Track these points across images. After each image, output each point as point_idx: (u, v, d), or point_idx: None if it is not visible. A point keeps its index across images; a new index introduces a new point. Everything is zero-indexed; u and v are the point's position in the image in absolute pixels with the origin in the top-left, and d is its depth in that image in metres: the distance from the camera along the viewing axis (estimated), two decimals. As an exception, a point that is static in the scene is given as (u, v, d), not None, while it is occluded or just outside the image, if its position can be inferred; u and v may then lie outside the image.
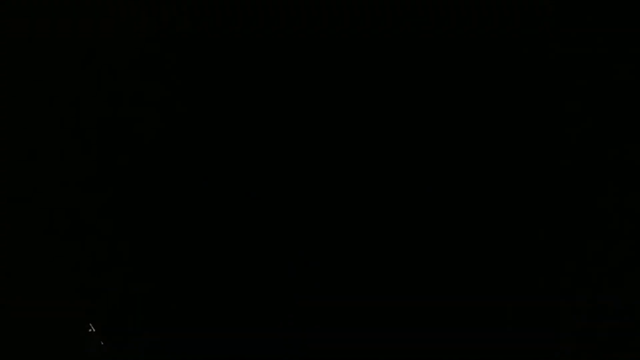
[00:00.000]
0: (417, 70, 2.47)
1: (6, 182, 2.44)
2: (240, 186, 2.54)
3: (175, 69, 2.54)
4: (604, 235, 2.31)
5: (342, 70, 2.51)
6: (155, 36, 2.52)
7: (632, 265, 2.26)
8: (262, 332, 2.43)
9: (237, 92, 2.55)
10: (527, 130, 2.42)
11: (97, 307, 2.40)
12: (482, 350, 2.35)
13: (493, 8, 2.33)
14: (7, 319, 2.33)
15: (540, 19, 2.33)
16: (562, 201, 2.38)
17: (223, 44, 2.53)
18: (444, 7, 2.35)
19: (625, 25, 2.26)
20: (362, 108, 2.53)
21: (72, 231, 2.45)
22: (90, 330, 2.33)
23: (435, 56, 2.45)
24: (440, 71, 2.46)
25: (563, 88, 2.38)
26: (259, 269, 2.48)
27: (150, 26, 2.51)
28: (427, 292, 2.43)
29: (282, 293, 2.46)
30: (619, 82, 2.32)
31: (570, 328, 2.28)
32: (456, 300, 2.40)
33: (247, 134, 2.55)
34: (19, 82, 2.48)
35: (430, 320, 2.40)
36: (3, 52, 2.47)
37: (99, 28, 2.50)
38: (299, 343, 2.41)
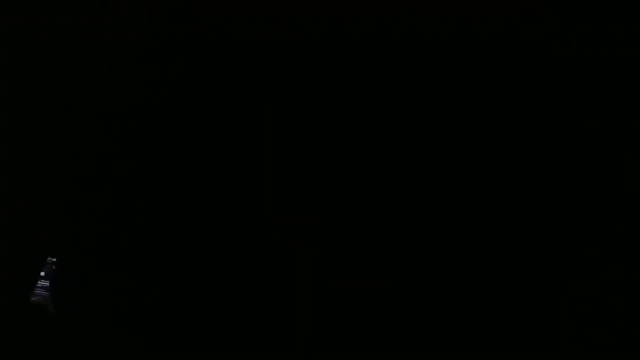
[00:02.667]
0: (418, 71, 2.47)
1: (6, 182, 2.44)
2: (240, 187, 2.54)
3: (175, 68, 2.54)
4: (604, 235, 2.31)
5: (342, 71, 2.51)
6: (155, 36, 2.52)
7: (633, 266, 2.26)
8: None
9: (238, 92, 2.55)
10: (528, 131, 2.43)
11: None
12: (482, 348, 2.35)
13: (493, 8, 2.33)
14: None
15: (540, 19, 2.33)
16: (562, 201, 2.38)
17: (223, 44, 2.53)
18: (444, 7, 2.36)
19: (625, 25, 2.26)
20: (362, 108, 2.53)
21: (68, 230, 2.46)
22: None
23: (436, 56, 2.45)
24: (441, 71, 2.47)
25: (562, 88, 2.38)
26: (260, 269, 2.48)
27: (150, 26, 2.51)
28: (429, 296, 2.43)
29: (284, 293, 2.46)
30: (619, 82, 2.32)
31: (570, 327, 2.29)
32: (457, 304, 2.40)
33: (247, 134, 2.55)
34: (18, 82, 2.48)
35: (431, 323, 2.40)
36: (3, 52, 2.47)
37: (99, 28, 2.50)
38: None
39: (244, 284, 2.47)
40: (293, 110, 2.54)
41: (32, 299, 2.37)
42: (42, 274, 2.40)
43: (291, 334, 2.41)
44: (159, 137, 2.54)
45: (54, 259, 2.41)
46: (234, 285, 2.47)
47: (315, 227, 2.50)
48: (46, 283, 2.39)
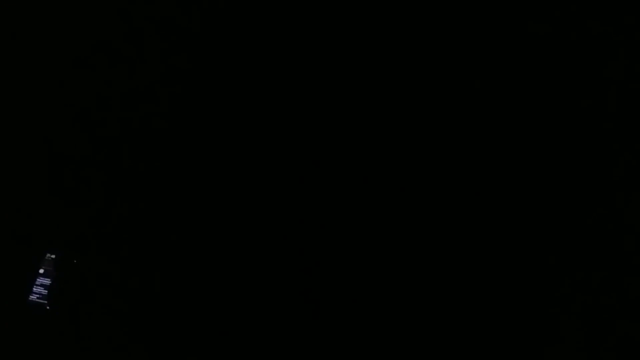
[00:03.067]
0: (418, 71, 2.48)
1: (6, 182, 2.44)
2: (240, 186, 2.54)
3: (176, 69, 2.55)
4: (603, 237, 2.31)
5: (342, 71, 2.52)
6: (155, 36, 2.53)
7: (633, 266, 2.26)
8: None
9: (238, 92, 2.56)
10: (527, 131, 2.43)
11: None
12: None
13: (493, 8, 2.34)
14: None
15: (540, 19, 2.34)
16: (560, 201, 2.38)
17: (223, 44, 2.54)
18: (443, 6, 2.36)
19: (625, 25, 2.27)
20: (361, 109, 2.54)
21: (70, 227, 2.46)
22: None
23: (435, 56, 2.46)
24: (440, 71, 2.47)
25: (562, 88, 2.39)
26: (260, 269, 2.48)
27: (150, 26, 2.52)
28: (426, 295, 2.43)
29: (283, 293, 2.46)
30: (618, 83, 2.32)
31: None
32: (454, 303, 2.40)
33: (247, 134, 2.55)
34: (18, 82, 2.49)
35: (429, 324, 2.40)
36: (3, 52, 2.47)
37: (98, 28, 2.51)
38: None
39: (244, 284, 2.47)
40: (293, 110, 2.55)
41: (32, 297, 2.37)
42: (42, 271, 2.40)
43: (291, 333, 2.41)
44: (159, 137, 2.54)
45: (53, 256, 2.41)
46: (234, 285, 2.46)
47: (314, 227, 2.50)
48: (46, 281, 2.39)
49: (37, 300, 2.37)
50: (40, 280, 2.39)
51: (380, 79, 2.51)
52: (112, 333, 2.38)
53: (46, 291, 2.38)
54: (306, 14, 2.47)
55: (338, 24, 2.48)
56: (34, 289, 2.38)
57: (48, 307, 2.37)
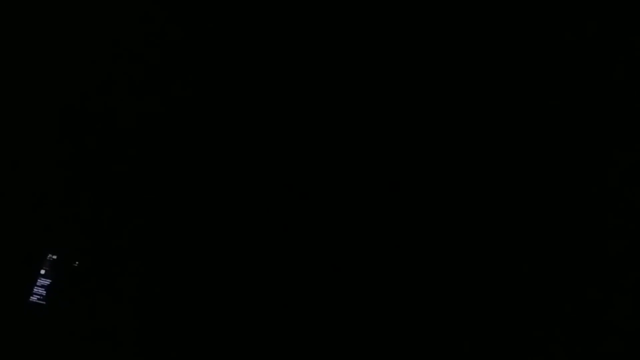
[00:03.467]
0: (417, 70, 2.48)
1: (6, 182, 2.44)
2: (239, 186, 2.54)
3: (175, 68, 2.55)
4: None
5: (342, 71, 2.52)
6: (155, 36, 2.52)
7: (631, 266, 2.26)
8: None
9: (238, 92, 2.56)
10: (526, 132, 2.43)
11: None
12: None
13: (493, 8, 2.34)
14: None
15: (540, 19, 2.34)
16: (559, 201, 2.38)
17: (223, 45, 2.54)
18: (443, 6, 2.36)
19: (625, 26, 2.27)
20: (361, 109, 2.54)
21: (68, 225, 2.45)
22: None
23: (435, 56, 2.46)
24: (440, 71, 2.47)
25: (562, 88, 2.39)
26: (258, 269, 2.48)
27: (149, 26, 2.52)
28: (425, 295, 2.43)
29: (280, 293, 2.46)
30: (617, 83, 2.33)
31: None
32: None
33: (247, 134, 2.55)
34: (19, 82, 2.48)
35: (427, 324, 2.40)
36: (3, 53, 2.47)
37: (99, 28, 2.50)
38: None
39: (244, 284, 2.47)
40: (292, 110, 2.55)
41: (33, 298, 2.37)
42: (42, 272, 2.40)
43: (291, 334, 2.41)
44: (159, 137, 2.54)
45: (55, 257, 2.41)
46: (234, 285, 2.47)
47: (315, 227, 2.50)
48: (46, 282, 2.39)
49: (37, 301, 2.37)
50: (40, 281, 2.38)
51: (380, 79, 2.51)
52: (112, 333, 2.38)
53: (46, 292, 2.38)
54: (305, 14, 2.47)
55: (337, 23, 2.48)
56: (35, 289, 2.38)
57: (48, 308, 2.36)
